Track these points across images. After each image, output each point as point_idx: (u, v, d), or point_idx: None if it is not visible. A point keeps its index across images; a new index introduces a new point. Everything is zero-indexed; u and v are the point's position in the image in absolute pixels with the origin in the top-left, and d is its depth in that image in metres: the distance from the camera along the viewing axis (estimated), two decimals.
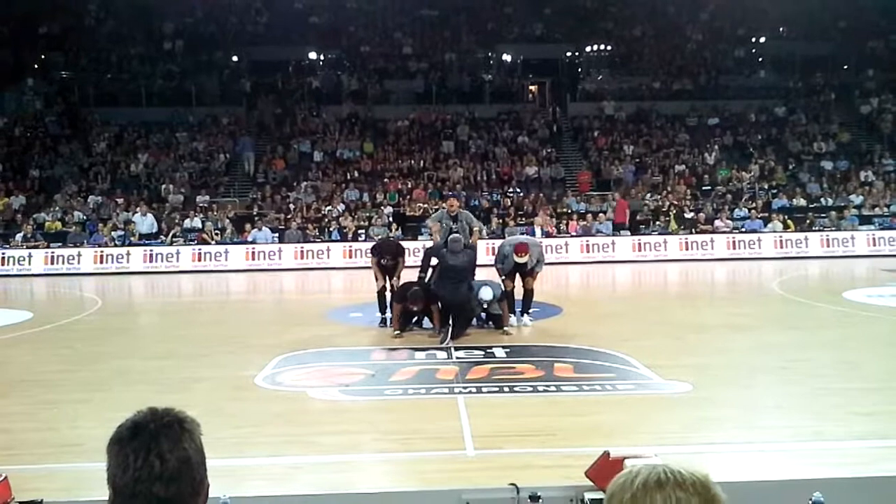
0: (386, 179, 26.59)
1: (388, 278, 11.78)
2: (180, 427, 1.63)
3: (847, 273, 19.42)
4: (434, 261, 11.41)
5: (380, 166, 27.59)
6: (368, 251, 13.16)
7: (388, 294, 11.73)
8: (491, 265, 12.68)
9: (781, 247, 22.43)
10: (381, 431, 6.54)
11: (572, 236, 22.99)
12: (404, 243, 14.23)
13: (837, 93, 31.69)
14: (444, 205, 14.32)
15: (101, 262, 21.72)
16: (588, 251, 22.47)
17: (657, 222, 23.59)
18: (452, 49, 33.85)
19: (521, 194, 25.69)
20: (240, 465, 5.64)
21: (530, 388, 7.80)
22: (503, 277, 11.51)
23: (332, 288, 19.46)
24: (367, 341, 10.74)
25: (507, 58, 34.10)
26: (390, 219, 23.70)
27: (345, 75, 32.24)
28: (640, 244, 22.63)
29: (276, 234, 22.75)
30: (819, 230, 23.09)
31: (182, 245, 22.33)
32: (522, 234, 22.86)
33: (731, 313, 12.91)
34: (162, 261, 21.85)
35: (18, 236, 22.37)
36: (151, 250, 22.01)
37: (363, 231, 23.00)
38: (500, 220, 23.33)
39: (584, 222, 23.49)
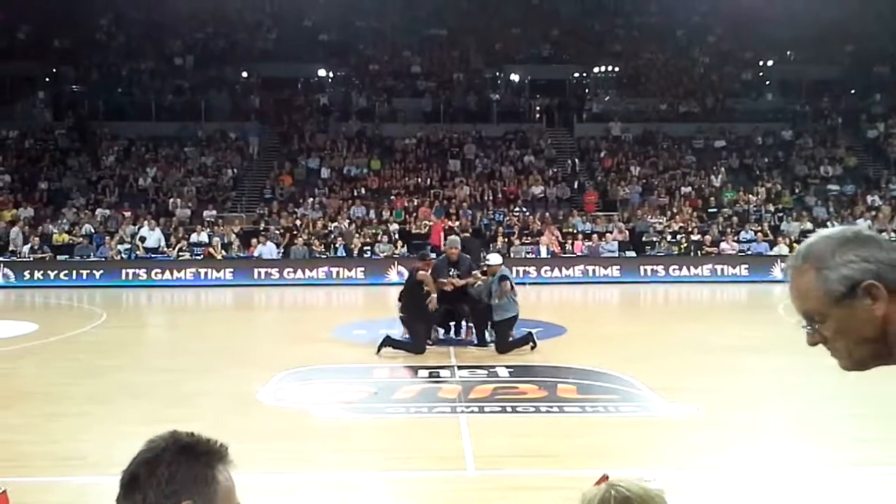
0: (392, 197, 26.65)
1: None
2: (177, 451, 1.59)
3: None
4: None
5: (386, 184, 27.66)
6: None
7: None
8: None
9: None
10: (382, 450, 6.52)
11: (578, 256, 22.98)
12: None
13: (844, 117, 31.72)
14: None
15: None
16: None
17: (662, 244, 23.54)
18: (460, 68, 34.05)
19: (528, 213, 25.71)
20: (240, 481, 5.62)
21: (533, 409, 7.78)
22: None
23: (337, 304, 19.49)
24: (371, 359, 10.72)
25: (514, 78, 34.27)
26: (396, 236, 23.73)
27: (353, 93, 32.43)
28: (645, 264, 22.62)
29: (282, 250, 22.82)
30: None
31: (188, 259, 22.41)
32: (528, 253, 22.96)
33: (735, 336, 12.84)
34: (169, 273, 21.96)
35: (25, 248, 22.47)
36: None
37: (369, 248, 23.04)
38: (506, 239, 23.34)
39: (590, 242, 23.48)
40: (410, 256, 21.57)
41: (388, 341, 10.77)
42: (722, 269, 22.38)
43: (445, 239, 22.25)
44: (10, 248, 22.74)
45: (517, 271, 21.56)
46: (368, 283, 21.48)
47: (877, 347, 1.56)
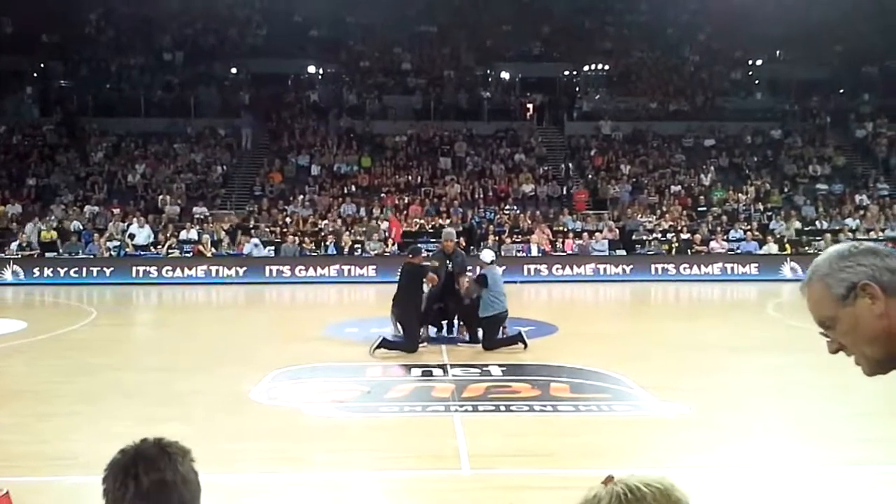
0: (383, 194, 26.61)
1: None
2: (159, 450, 1.65)
3: None
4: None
5: (377, 181, 27.62)
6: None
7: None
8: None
9: (776, 269, 22.43)
10: (375, 449, 6.50)
11: (568, 255, 23.01)
12: None
13: (833, 116, 31.88)
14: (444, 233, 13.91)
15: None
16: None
17: (653, 243, 23.60)
18: (451, 66, 34.01)
19: (518, 212, 25.73)
20: (232, 481, 5.60)
21: (526, 408, 7.78)
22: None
23: (329, 302, 19.44)
24: (364, 357, 10.69)
25: (505, 75, 34.28)
26: (386, 234, 23.69)
27: (344, 89, 32.34)
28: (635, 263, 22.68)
29: (273, 248, 22.74)
30: (814, 253, 23.14)
31: (178, 256, 22.29)
32: (518, 251, 22.99)
33: (729, 335, 12.89)
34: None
35: (14, 245, 22.30)
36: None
37: (359, 246, 22.98)
38: (497, 238, 23.34)
39: (580, 241, 23.52)
40: (401, 254, 21.57)
41: (384, 343, 10.73)
42: (713, 268, 22.44)
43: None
44: (21, 244, 22.48)
45: (529, 270, 21.78)
46: (380, 280, 21.30)
47: (887, 347, 1.65)
